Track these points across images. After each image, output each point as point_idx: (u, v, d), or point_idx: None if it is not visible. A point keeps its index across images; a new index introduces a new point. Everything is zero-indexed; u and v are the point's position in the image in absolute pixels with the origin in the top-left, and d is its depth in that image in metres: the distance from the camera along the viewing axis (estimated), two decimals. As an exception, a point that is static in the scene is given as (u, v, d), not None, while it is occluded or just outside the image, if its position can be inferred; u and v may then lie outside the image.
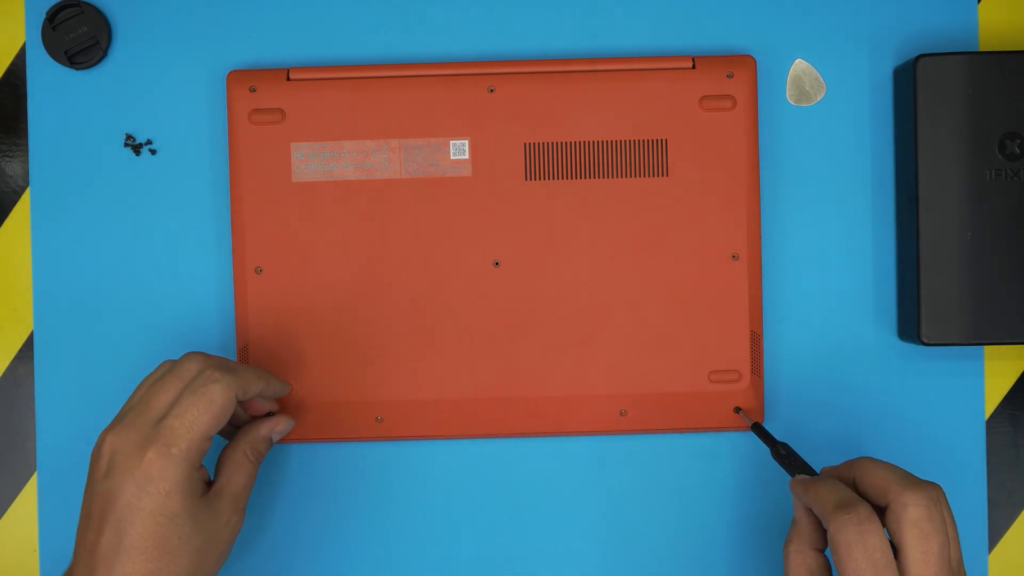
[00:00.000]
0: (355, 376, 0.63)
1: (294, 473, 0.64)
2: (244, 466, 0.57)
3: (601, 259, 0.63)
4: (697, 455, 0.64)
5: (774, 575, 0.63)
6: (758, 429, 0.59)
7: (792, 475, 0.56)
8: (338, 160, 0.62)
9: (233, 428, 0.60)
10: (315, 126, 0.62)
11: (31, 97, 0.64)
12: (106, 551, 0.52)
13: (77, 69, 0.64)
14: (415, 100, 0.62)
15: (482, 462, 0.64)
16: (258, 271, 0.63)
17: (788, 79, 0.64)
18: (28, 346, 0.64)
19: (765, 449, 0.62)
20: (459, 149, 0.62)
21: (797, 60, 0.64)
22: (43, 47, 0.64)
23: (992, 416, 0.64)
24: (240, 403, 0.58)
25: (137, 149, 0.64)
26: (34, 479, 0.64)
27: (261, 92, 0.62)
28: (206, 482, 0.55)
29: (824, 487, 0.53)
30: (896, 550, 0.51)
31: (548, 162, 0.62)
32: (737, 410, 0.62)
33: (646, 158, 0.62)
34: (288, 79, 0.62)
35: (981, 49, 0.64)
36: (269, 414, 0.60)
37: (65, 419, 0.64)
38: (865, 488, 0.53)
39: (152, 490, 0.52)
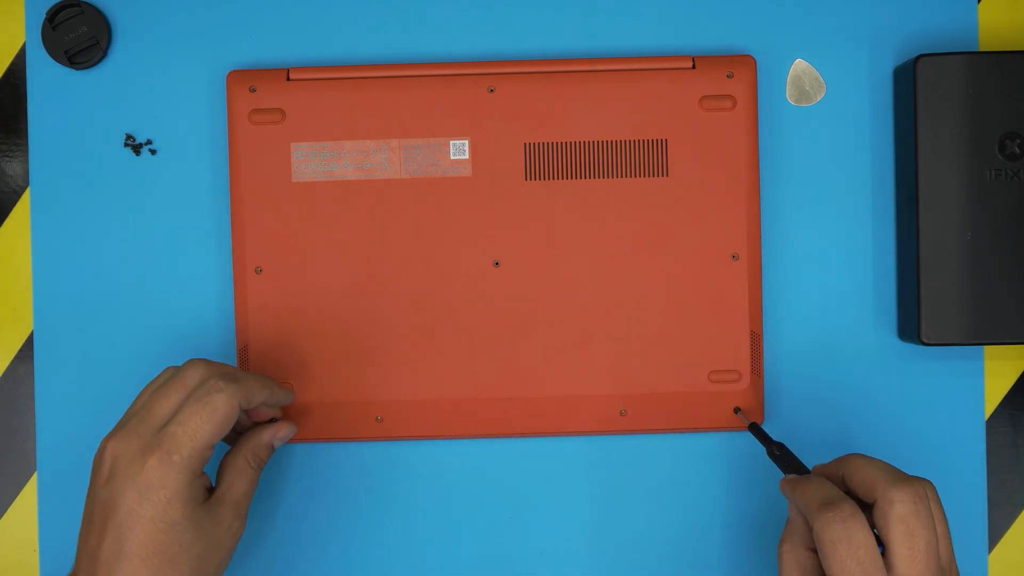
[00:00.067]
0: (355, 376, 0.63)
1: (294, 473, 0.64)
2: (246, 472, 0.57)
3: (601, 259, 0.63)
4: (697, 455, 0.64)
5: (774, 575, 0.63)
6: (755, 429, 0.59)
7: (787, 475, 0.56)
8: (338, 160, 0.62)
9: (236, 433, 0.60)
10: (315, 126, 0.62)
11: (31, 97, 0.64)
12: (107, 557, 0.52)
13: (77, 69, 0.64)
14: (415, 100, 0.62)
15: (482, 462, 0.64)
16: (258, 271, 0.63)
17: (788, 79, 0.64)
18: (28, 346, 0.64)
19: (764, 449, 0.62)
20: (459, 149, 0.62)
21: (797, 60, 0.64)
22: (43, 47, 0.64)
23: (992, 416, 0.64)
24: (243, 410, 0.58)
25: (137, 149, 0.64)
26: (34, 479, 0.64)
27: (261, 92, 0.62)
28: (207, 489, 0.55)
29: (810, 486, 0.53)
30: (883, 547, 0.50)
31: (548, 162, 0.62)
32: (737, 410, 0.62)
33: (646, 158, 0.62)
34: (288, 79, 0.62)
35: (981, 49, 0.64)
36: (272, 420, 0.60)
37: (65, 419, 0.64)
38: (854, 485, 0.53)
39: (153, 497, 0.52)
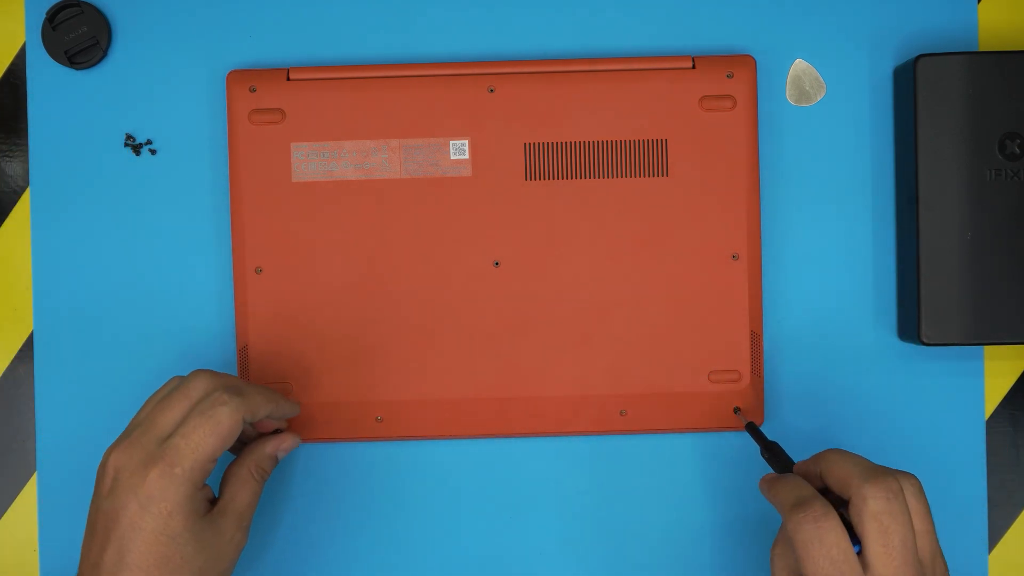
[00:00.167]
0: (355, 376, 0.63)
1: (294, 473, 0.64)
2: (249, 484, 0.57)
3: (601, 259, 0.63)
4: (697, 455, 0.64)
5: None
6: (751, 429, 0.59)
7: (765, 474, 0.56)
8: (338, 160, 0.62)
9: (240, 443, 0.60)
10: (315, 126, 0.62)
11: (31, 97, 0.64)
12: (109, 568, 0.52)
13: (77, 69, 0.64)
14: (415, 100, 0.62)
15: (482, 462, 0.64)
16: (258, 271, 0.63)
17: (788, 79, 0.64)
18: (28, 346, 0.64)
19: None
20: (459, 149, 0.62)
21: (797, 60, 0.64)
22: (43, 47, 0.64)
23: (992, 416, 0.64)
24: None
25: (137, 149, 0.64)
26: (34, 479, 0.64)
27: (261, 92, 0.62)
28: (210, 500, 0.55)
29: (784, 485, 0.53)
30: (859, 544, 0.50)
31: (548, 162, 0.62)
32: (736, 410, 0.62)
33: (646, 158, 0.62)
34: (288, 79, 0.62)
35: (981, 49, 0.64)
36: (277, 431, 0.60)
37: (65, 419, 0.64)
38: (830, 482, 0.53)
39: (154, 510, 0.52)
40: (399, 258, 0.63)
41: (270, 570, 0.64)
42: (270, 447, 0.58)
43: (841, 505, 0.52)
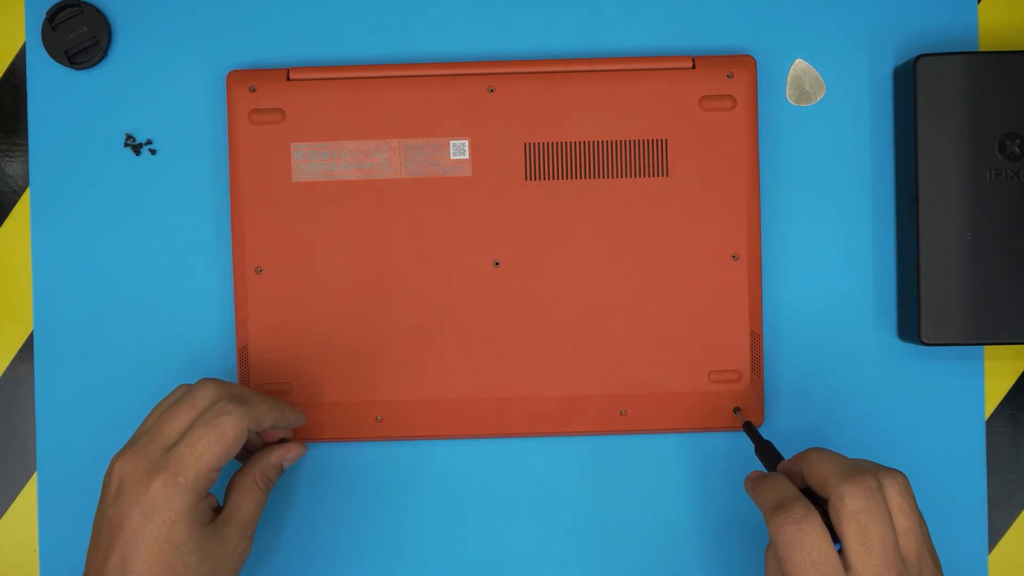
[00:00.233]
0: (355, 376, 0.63)
1: (294, 473, 0.64)
2: (254, 493, 0.57)
3: (601, 259, 0.63)
4: (697, 455, 0.64)
5: (774, 575, 0.63)
6: (748, 428, 0.60)
7: (749, 474, 0.56)
8: (338, 160, 0.62)
9: (246, 451, 0.60)
10: (315, 126, 0.62)
11: (31, 97, 0.64)
12: (112, 575, 0.52)
13: (77, 69, 0.64)
14: (415, 100, 0.62)
15: (482, 462, 0.64)
16: (258, 271, 0.63)
17: (788, 79, 0.64)
18: (28, 346, 0.64)
19: (765, 449, 0.62)
20: (459, 149, 0.62)
21: (797, 60, 0.64)
22: (43, 47, 0.64)
23: (992, 416, 0.64)
24: None
25: (137, 149, 0.64)
26: (34, 479, 0.64)
27: (261, 92, 0.62)
28: (214, 509, 0.55)
29: (766, 486, 0.53)
30: (840, 544, 0.50)
31: (548, 162, 0.62)
32: (736, 410, 0.62)
33: (646, 158, 0.62)
34: (288, 79, 0.62)
35: (981, 49, 0.64)
36: (282, 440, 0.60)
37: (65, 419, 0.64)
38: (811, 481, 0.52)
39: (157, 519, 0.52)
40: (399, 258, 0.63)
41: (269, 570, 0.64)
42: (275, 456, 0.59)
43: (823, 504, 0.51)
